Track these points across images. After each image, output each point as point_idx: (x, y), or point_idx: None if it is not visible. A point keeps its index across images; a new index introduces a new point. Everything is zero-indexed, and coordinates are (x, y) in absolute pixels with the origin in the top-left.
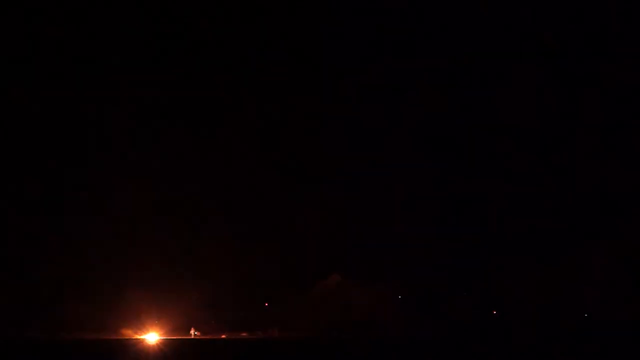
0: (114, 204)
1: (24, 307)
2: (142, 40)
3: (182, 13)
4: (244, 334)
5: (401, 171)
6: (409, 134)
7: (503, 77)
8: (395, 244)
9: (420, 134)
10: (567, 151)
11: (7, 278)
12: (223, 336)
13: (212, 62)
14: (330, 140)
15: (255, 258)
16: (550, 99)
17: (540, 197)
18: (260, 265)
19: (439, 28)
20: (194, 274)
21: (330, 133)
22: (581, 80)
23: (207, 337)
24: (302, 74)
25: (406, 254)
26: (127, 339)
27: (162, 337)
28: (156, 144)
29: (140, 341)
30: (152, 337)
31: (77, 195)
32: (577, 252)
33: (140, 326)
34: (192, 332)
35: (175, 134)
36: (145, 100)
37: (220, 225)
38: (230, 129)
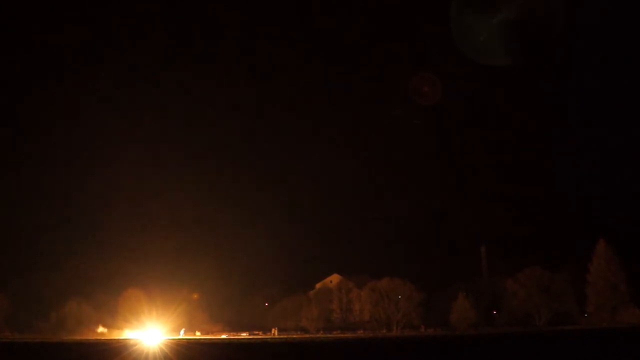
0: (116, 207)
1: (26, 307)
2: None
3: None
4: (244, 334)
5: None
6: None
7: None
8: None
9: None
10: None
11: (8, 280)
12: (223, 336)
13: None
14: None
15: (255, 258)
16: None
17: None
18: (261, 266)
19: None
20: (195, 274)
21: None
22: None
23: (207, 337)
24: None
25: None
26: (127, 339)
27: (162, 337)
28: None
29: (140, 341)
30: (152, 337)
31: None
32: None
33: (140, 326)
34: (191, 332)
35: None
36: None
37: (220, 226)
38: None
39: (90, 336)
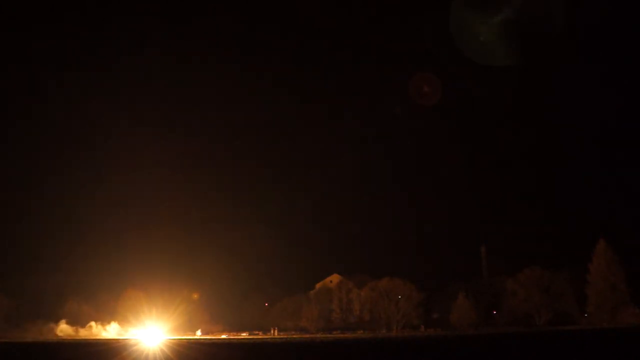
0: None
1: (26, 307)
2: None
3: None
4: (244, 334)
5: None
6: None
7: None
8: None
9: None
10: None
11: (8, 280)
12: (223, 336)
13: None
14: None
15: (255, 258)
16: None
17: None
18: (261, 266)
19: None
20: (195, 274)
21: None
22: None
23: (207, 337)
24: None
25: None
26: (127, 339)
27: (162, 337)
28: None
29: (140, 341)
30: (152, 337)
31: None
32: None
33: (140, 326)
34: (191, 332)
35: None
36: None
37: (221, 226)
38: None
39: (49, 337)
